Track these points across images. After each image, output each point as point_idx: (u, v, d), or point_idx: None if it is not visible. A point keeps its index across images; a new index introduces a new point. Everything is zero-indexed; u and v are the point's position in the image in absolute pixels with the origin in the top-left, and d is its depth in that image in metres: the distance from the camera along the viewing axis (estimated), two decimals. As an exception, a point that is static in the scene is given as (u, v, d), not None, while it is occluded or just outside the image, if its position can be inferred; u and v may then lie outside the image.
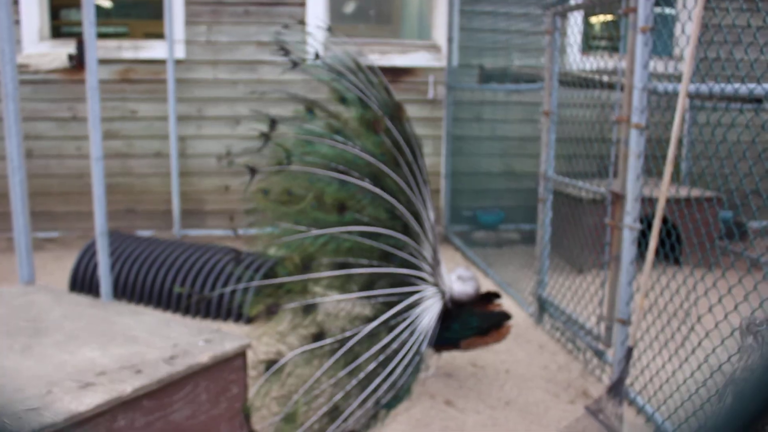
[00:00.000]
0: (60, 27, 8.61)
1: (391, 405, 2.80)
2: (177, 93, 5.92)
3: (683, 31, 3.36)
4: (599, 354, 3.46)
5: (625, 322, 3.13)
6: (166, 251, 4.37)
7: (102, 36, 8.23)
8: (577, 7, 3.71)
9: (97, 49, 3.01)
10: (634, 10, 2.96)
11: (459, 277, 3.22)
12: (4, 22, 2.72)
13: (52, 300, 2.57)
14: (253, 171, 2.77)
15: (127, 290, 4.31)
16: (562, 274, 4.89)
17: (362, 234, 2.75)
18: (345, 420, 2.61)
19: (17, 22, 5.67)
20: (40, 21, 5.84)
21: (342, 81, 2.88)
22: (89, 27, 2.97)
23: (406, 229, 2.90)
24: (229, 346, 2.19)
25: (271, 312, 2.60)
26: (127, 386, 1.80)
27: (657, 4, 2.96)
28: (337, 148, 2.76)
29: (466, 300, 3.21)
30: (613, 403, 2.86)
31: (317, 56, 2.96)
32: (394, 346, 2.79)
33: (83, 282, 4.41)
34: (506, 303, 4.16)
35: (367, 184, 2.77)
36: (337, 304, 2.74)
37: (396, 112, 2.94)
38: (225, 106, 6.09)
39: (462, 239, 6.26)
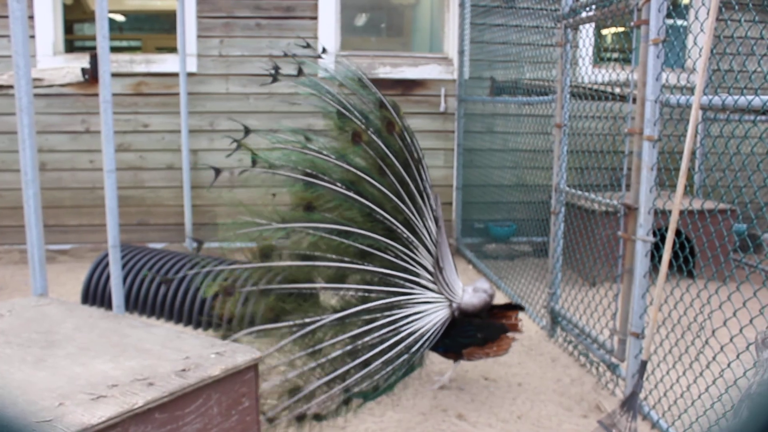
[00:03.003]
0: (74, 41, 8.70)
1: (367, 396, 2.98)
2: (189, 106, 5.96)
3: (695, 42, 3.35)
4: (612, 368, 3.43)
5: (639, 336, 3.11)
6: (178, 264, 4.38)
7: (115, 50, 8.32)
8: (589, 19, 3.71)
9: (110, 63, 3.03)
10: (646, 22, 2.95)
11: (474, 289, 3.24)
12: (19, 37, 2.74)
13: (64, 312, 2.58)
14: (217, 171, 3.13)
15: (139, 303, 4.32)
16: (574, 286, 4.87)
17: (330, 231, 2.91)
18: (307, 399, 2.80)
19: (32, 37, 5.72)
20: (54, 35, 5.90)
21: (323, 95, 3.04)
22: (102, 41, 2.99)
23: (391, 234, 3.03)
24: (240, 359, 2.18)
25: (228, 293, 2.81)
26: (139, 399, 1.80)
27: (669, 15, 2.95)
28: (305, 154, 2.96)
29: (472, 311, 3.21)
30: (627, 418, 2.83)
31: (300, 72, 3.09)
32: (368, 339, 2.93)
33: (95, 294, 4.43)
34: (519, 316, 4.14)
35: (337, 188, 2.94)
36: (299, 293, 2.91)
37: (386, 126, 3.08)
38: (237, 119, 6.12)
39: (474, 252, 6.25)
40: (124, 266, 4.33)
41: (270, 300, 2.86)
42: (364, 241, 2.96)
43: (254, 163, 2.95)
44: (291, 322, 2.82)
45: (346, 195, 2.96)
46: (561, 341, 4.10)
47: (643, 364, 2.90)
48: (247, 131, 3.06)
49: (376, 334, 2.95)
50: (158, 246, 5.91)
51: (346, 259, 2.95)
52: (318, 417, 2.91)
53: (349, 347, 2.90)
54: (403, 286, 3.07)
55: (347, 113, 3.02)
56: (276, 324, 2.82)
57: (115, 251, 3.19)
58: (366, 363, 2.92)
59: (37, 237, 2.89)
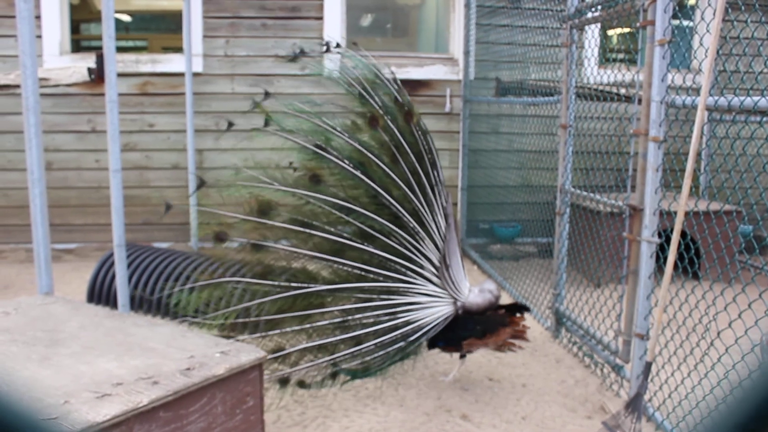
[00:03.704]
0: (80, 41, 8.72)
1: (356, 375, 3.09)
2: (195, 106, 5.96)
3: (701, 43, 3.34)
4: (617, 369, 3.42)
5: (644, 337, 3.10)
6: (184, 263, 4.38)
7: (121, 50, 8.34)
8: (595, 20, 3.70)
9: (116, 62, 3.04)
10: (652, 23, 2.94)
11: (480, 289, 3.25)
12: (26, 37, 2.76)
13: (69, 311, 2.58)
14: (230, 124, 3.44)
15: (144, 302, 4.33)
16: (579, 287, 4.86)
17: (332, 205, 2.99)
18: (291, 364, 2.90)
19: (39, 37, 5.74)
20: (60, 35, 5.92)
21: (349, 77, 3.15)
22: (109, 41, 3.00)
23: (397, 220, 3.08)
24: (245, 358, 2.19)
25: (219, 239, 2.94)
26: (144, 397, 1.81)
27: (675, 16, 2.95)
28: (319, 126, 3.04)
29: (476, 311, 3.23)
30: (631, 419, 2.83)
31: (328, 49, 3.28)
32: (360, 316, 3.01)
33: (100, 293, 4.43)
34: (526, 323, 4.13)
35: (345, 164, 3.01)
36: (289, 255, 3.00)
37: (405, 116, 3.15)
38: (242, 119, 6.12)
39: (479, 252, 6.24)
40: (129, 265, 4.34)
41: (260, 255, 2.95)
42: (366, 221, 3.02)
43: (266, 123, 3.08)
44: (276, 282, 2.90)
45: (353, 173, 3.02)
46: (565, 342, 4.10)
47: (648, 366, 2.90)
48: (267, 94, 3.23)
49: (370, 314, 3.02)
50: (163, 245, 5.92)
51: (345, 234, 3.02)
52: (302, 384, 2.99)
53: (339, 319, 2.96)
54: (404, 274, 3.11)
55: (368, 97, 3.11)
56: (261, 281, 2.90)
57: (120, 250, 3.20)
58: (358, 341, 2.99)
59: (43, 236, 2.90)
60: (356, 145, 3.04)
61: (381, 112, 3.09)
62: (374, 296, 3.05)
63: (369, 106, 3.11)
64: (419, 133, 3.14)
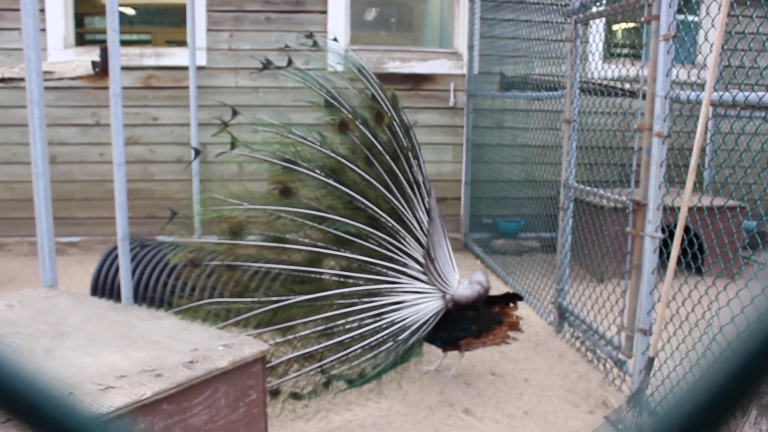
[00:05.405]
0: (84, 34, 8.73)
1: (353, 382, 3.06)
2: (198, 100, 5.96)
3: (706, 38, 3.33)
4: (620, 364, 3.42)
5: (646, 332, 3.10)
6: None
7: (125, 43, 8.33)
8: (599, 14, 3.69)
9: (120, 56, 3.05)
10: (657, 18, 2.94)
11: (470, 281, 3.25)
12: (30, 30, 2.76)
13: (73, 304, 2.59)
14: (197, 152, 3.40)
15: (148, 295, 4.34)
16: (582, 282, 4.86)
17: (305, 216, 2.97)
18: (278, 375, 2.88)
19: (43, 30, 5.74)
20: (65, 29, 5.92)
21: (312, 86, 3.14)
22: (113, 34, 3.00)
23: (375, 222, 3.07)
24: (248, 351, 2.19)
25: (194, 264, 2.94)
26: (147, 390, 1.81)
27: (680, 11, 2.94)
28: (288, 139, 3.04)
29: (465, 303, 3.22)
30: (633, 414, 2.83)
31: (290, 62, 3.23)
32: (343, 322, 2.98)
33: (104, 286, 4.45)
34: (525, 311, 4.13)
35: (317, 174, 2.99)
36: (266, 272, 2.98)
37: (375, 117, 3.16)
38: (246, 113, 6.09)
39: (482, 247, 6.24)
40: (132, 258, 4.35)
41: (236, 275, 2.93)
42: (341, 227, 3.00)
43: (233, 146, 3.07)
44: (254, 299, 2.89)
45: (326, 182, 3.00)
46: (568, 337, 4.10)
47: (651, 361, 2.90)
48: (235, 113, 3.21)
49: (353, 318, 2.99)
50: (167, 239, 5.92)
51: (320, 244, 2.99)
52: (295, 396, 2.97)
53: (321, 327, 2.94)
54: (386, 275, 3.09)
55: (335, 103, 3.08)
56: (239, 299, 2.89)
57: (124, 244, 3.20)
58: (344, 345, 2.97)
59: (47, 229, 2.91)
60: (328, 152, 3.01)
61: (350, 116, 3.08)
62: (356, 300, 3.03)
63: (337, 112, 3.09)
64: (392, 132, 3.13)
